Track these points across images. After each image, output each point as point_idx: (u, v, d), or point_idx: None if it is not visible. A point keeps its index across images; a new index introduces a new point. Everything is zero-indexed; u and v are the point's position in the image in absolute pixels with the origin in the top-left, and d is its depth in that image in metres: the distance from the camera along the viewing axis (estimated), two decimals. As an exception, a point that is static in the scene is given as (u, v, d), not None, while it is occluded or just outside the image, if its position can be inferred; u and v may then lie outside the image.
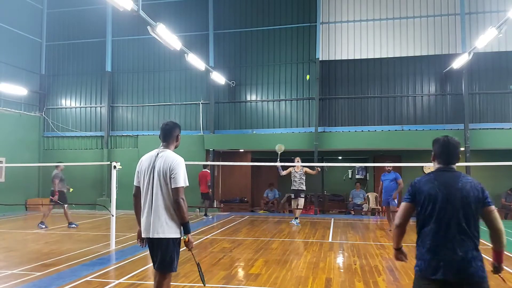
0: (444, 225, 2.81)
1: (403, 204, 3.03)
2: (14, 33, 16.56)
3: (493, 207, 2.86)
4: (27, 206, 16.52)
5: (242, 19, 16.56)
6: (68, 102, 17.87)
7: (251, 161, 17.97)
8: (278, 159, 11.95)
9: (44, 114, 17.83)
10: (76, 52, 17.91)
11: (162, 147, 4.02)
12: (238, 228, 11.66)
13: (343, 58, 15.67)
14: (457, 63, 13.39)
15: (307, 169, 12.16)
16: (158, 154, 3.96)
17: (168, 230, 3.79)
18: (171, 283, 4.05)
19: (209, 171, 14.32)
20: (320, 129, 15.24)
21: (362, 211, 15.57)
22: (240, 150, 17.37)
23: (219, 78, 15.31)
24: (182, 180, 3.80)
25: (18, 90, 15.55)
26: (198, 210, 14.48)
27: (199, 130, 16.44)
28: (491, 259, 2.96)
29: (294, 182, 12.12)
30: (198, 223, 12.52)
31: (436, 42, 15.05)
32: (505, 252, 3.03)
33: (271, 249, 8.45)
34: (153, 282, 3.99)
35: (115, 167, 8.65)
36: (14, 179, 15.82)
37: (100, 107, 17.46)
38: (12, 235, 10.56)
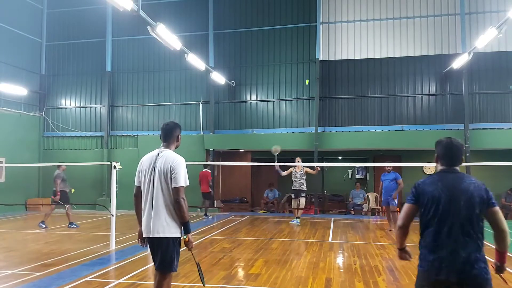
0: (447, 227, 2.81)
1: (406, 206, 3.02)
2: (14, 33, 16.56)
3: (497, 208, 2.85)
4: (27, 206, 16.52)
5: (242, 19, 16.56)
6: (68, 102, 17.87)
7: (251, 161, 17.97)
8: (276, 161, 11.93)
9: (44, 114, 17.83)
10: (76, 52, 17.91)
11: (162, 147, 4.04)
12: (238, 228, 11.66)
13: (343, 58, 15.67)
14: (457, 63, 13.39)
15: (308, 169, 12.18)
16: (159, 154, 3.97)
17: (168, 229, 3.80)
18: (171, 283, 4.05)
19: (209, 171, 14.33)
20: (320, 129, 15.24)
21: (362, 211, 15.57)
22: (240, 150, 17.38)
23: (219, 78, 15.31)
24: (182, 179, 3.82)
25: (18, 90, 15.55)
26: (199, 210, 14.49)
27: (199, 130, 16.44)
28: (493, 260, 2.96)
29: (294, 182, 12.16)
30: (198, 223, 12.52)
31: (436, 42, 15.05)
32: (508, 253, 3.02)
33: (271, 249, 8.45)
34: (153, 282, 4.00)
35: (115, 167, 8.66)
36: (14, 179, 15.82)
37: (100, 107, 17.46)
38: (12, 235, 10.56)
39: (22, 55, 17.08)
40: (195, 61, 12.74)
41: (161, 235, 3.79)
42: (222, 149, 16.73)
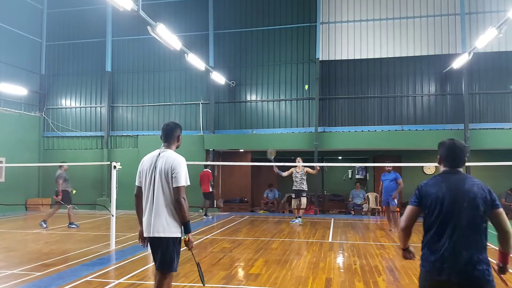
0: (450, 227, 2.80)
1: (409, 207, 3.02)
2: (14, 33, 16.56)
3: (501, 210, 2.84)
4: (27, 206, 16.51)
5: (242, 19, 16.56)
6: (68, 102, 17.87)
7: (251, 161, 17.96)
8: (274, 163, 11.92)
9: (44, 114, 17.83)
10: (76, 52, 17.91)
11: (163, 147, 4.06)
12: (238, 228, 11.66)
13: (343, 58, 15.67)
14: (457, 63, 13.39)
15: (308, 169, 12.22)
16: (159, 154, 3.99)
17: (169, 229, 3.81)
18: (172, 283, 4.05)
19: (210, 171, 14.35)
20: (320, 129, 15.24)
21: (362, 211, 15.57)
22: (240, 150, 17.38)
23: (219, 78, 15.31)
24: (183, 179, 3.84)
25: (18, 90, 15.55)
26: (201, 210, 14.49)
27: (199, 130, 16.44)
28: (495, 261, 2.95)
29: (295, 182, 12.23)
30: (198, 223, 12.52)
31: (436, 42, 15.05)
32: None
33: (271, 249, 8.45)
34: (153, 282, 4.00)
35: (115, 167, 8.65)
36: (14, 179, 15.81)
37: (100, 107, 17.46)
38: (12, 235, 10.56)
39: (22, 55, 17.08)
40: (195, 61, 12.74)
41: (161, 235, 3.80)
42: (222, 149, 16.73)
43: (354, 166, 18.98)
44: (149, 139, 16.51)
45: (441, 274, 2.76)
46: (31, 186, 16.95)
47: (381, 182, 11.12)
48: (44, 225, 11.23)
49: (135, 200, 4.06)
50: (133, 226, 11.41)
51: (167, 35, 9.79)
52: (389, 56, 15.34)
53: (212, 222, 12.95)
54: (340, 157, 19.55)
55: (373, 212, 15.43)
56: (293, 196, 12.60)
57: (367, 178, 18.55)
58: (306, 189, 12.30)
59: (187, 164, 3.99)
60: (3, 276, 6.28)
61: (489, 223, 2.87)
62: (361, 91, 15.49)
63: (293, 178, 12.26)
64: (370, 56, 15.47)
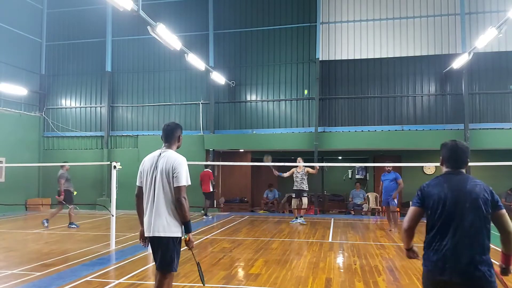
0: (452, 228, 2.81)
1: (412, 209, 3.03)
2: (14, 33, 16.56)
3: (504, 211, 2.84)
4: (27, 206, 16.51)
5: (242, 19, 16.56)
6: (68, 102, 17.87)
7: (251, 161, 17.97)
8: (272, 163, 12.11)
9: (44, 114, 17.83)
10: (76, 52, 17.91)
11: (164, 148, 4.07)
12: (238, 228, 11.66)
13: (343, 58, 15.67)
14: (457, 63, 13.39)
15: (309, 169, 12.26)
16: (160, 154, 4.01)
17: (169, 229, 3.82)
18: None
19: (211, 171, 14.36)
20: (320, 129, 15.24)
21: (362, 211, 15.57)
22: (240, 150, 17.37)
23: (219, 78, 15.31)
24: (184, 179, 3.85)
25: (18, 90, 15.55)
26: (203, 210, 14.48)
27: (199, 130, 16.44)
28: (498, 262, 2.95)
29: (295, 182, 12.29)
30: (198, 223, 12.52)
31: (436, 42, 15.05)
32: None
33: (271, 249, 8.45)
34: (153, 282, 4.00)
35: (115, 167, 8.66)
36: (14, 179, 15.81)
37: (100, 107, 17.46)
38: (12, 235, 10.56)
39: (22, 55, 17.08)
40: (195, 61, 12.74)
41: (162, 234, 3.81)
42: (222, 149, 16.73)
43: (354, 166, 18.98)
44: (149, 139, 16.50)
45: (443, 274, 2.77)
46: (31, 186, 16.95)
47: (381, 182, 11.13)
48: (46, 224, 11.23)
49: (136, 200, 4.07)
50: (133, 226, 11.41)
51: (167, 35, 9.79)
52: (389, 56, 15.34)
53: (212, 222, 12.96)
54: (340, 157, 19.55)
55: (373, 212, 15.43)
56: (294, 196, 12.62)
57: (367, 178, 18.55)
58: (307, 189, 12.33)
59: (187, 164, 4.00)
60: (3, 276, 6.28)
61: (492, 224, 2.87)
62: (361, 91, 15.48)
63: (294, 178, 12.31)
64: (370, 56, 15.46)
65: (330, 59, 15.73)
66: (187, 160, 4.05)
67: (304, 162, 12.39)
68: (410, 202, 2.96)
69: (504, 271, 2.92)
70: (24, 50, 17.19)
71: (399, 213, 11.93)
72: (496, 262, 2.90)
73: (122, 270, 6.69)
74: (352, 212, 15.69)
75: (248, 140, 16.00)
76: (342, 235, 10.37)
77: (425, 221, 3.01)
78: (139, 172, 4.06)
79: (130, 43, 17.38)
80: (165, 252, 3.83)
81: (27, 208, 16.51)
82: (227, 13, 16.65)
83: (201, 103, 16.52)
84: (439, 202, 2.87)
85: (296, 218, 12.48)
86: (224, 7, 16.65)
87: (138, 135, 17.02)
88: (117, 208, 8.95)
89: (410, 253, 3.14)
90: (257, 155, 18.82)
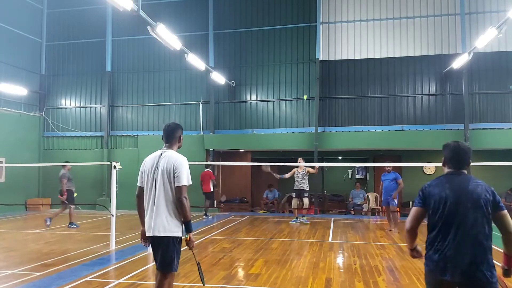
0: (454, 228, 2.81)
1: (413, 209, 3.03)
2: (14, 33, 16.56)
3: (505, 212, 2.84)
4: (27, 206, 16.51)
5: (242, 19, 16.56)
6: (68, 102, 17.87)
7: (251, 161, 17.96)
8: (274, 173, 12.38)
9: (44, 114, 17.82)
10: (76, 52, 17.90)
11: (165, 148, 4.08)
12: (238, 228, 11.66)
13: (343, 58, 15.67)
14: (457, 63, 13.39)
15: (309, 169, 12.30)
16: (161, 154, 4.02)
17: (169, 228, 3.83)
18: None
19: (211, 171, 14.37)
20: (320, 129, 15.24)
21: (362, 211, 15.57)
22: (240, 150, 17.37)
23: (219, 78, 15.31)
24: (185, 179, 3.87)
25: (18, 90, 15.55)
26: (205, 211, 14.48)
27: (199, 130, 16.44)
28: (500, 264, 2.95)
29: (296, 182, 12.33)
30: (198, 223, 12.52)
31: (436, 42, 15.05)
32: None
33: (271, 249, 8.45)
34: (153, 282, 4.01)
35: (115, 167, 8.65)
36: (14, 179, 15.81)
37: (100, 107, 17.46)
38: (12, 235, 10.56)
39: (22, 55, 17.08)
40: (195, 61, 12.74)
41: (162, 234, 3.82)
42: (222, 149, 16.73)
43: (354, 166, 18.98)
44: (149, 139, 16.50)
45: (444, 274, 2.77)
46: (31, 186, 16.95)
47: (381, 182, 11.13)
48: (48, 222, 11.26)
49: (137, 201, 4.08)
50: (133, 226, 11.42)
51: (167, 35, 9.79)
52: (389, 56, 15.34)
53: (212, 222, 12.96)
54: (340, 157, 19.55)
55: (373, 212, 15.44)
56: (294, 196, 12.64)
57: (367, 178, 18.54)
58: (307, 189, 12.36)
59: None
60: (3, 276, 6.28)
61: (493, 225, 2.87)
62: (361, 91, 15.48)
63: (295, 178, 12.35)
64: (370, 56, 15.46)
65: (330, 59, 15.73)
66: (187, 160, 4.06)
67: (305, 162, 12.41)
68: (410, 202, 2.97)
69: (506, 273, 2.92)
70: (24, 50, 17.19)
71: (399, 213, 11.93)
72: (498, 263, 2.89)
73: (122, 270, 6.69)
74: (352, 212, 15.69)
75: (248, 140, 16.00)
76: (342, 235, 10.37)
77: (426, 221, 3.02)
78: (140, 172, 4.07)
79: (130, 43, 17.38)
80: (165, 252, 3.84)
81: (27, 208, 16.50)
82: (227, 13, 16.65)
83: (201, 103, 16.52)
84: (440, 202, 2.87)
85: (296, 218, 12.49)
86: (224, 7, 16.65)
87: (138, 135, 17.01)
88: (117, 208, 8.95)
89: (414, 252, 3.14)
90: (257, 155, 18.83)
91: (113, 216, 8.58)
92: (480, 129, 14.43)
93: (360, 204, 15.89)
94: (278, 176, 12.41)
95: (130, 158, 15.90)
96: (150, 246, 4.03)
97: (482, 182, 2.92)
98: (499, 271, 2.88)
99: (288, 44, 16.04)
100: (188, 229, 3.86)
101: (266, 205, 16.72)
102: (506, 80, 14.48)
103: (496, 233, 2.85)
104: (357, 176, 19.11)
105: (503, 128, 14.31)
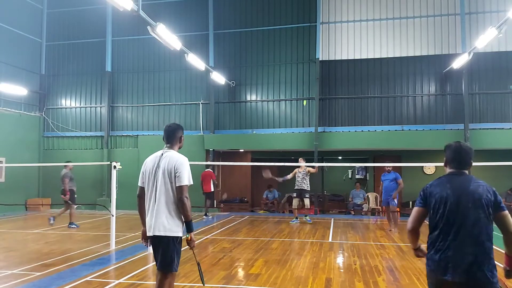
0: (455, 228, 2.81)
1: (415, 209, 3.04)
2: (14, 33, 16.56)
3: (506, 212, 2.84)
4: (27, 206, 16.51)
5: (242, 19, 16.56)
6: (68, 102, 17.87)
7: (251, 161, 17.96)
8: (276, 178, 12.72)
9: (44, 114, 17.82)
10: (76, 52, 17.90)
11: (166, 148, 4.10)
12: (238, 228, 11.66)
13: (343, 58, 15.67)
14: (457, 63, 13.39)
15: (310, 168, 12.34)
16: (162, 154, 4.04)
17: (170, 228, 3.84)
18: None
19: (212, 171, 14.38)
20: (320, 129, 15.24)
21: (362, 211, 15.57)
22: (240, 150, 17.37)
23: (219, 78, 15.31)
24: (186, 178, 3.88)
25: (18, 90, 15.55)
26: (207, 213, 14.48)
27: (199, 130, 16.44)
28: (502, 265, 2.95)
29: (297, 182, 12.40)
30: (198, 223, 12.52)
31: (436, 42, 15.05)
32: None
33: (271, 249, 8.45)
34: (153, 282, 4.01)
35: (115, 167, 8.65)
36: (14, 179, 15.81)
37: (100, 107, 17.46)
38: (12, 235, 10.56)
39: (22, 55, 17.08)
40: (195, 61, 12.74)
41: (162, 234, 3.83)
42: (222, 149, 16.73)
43: (354, 166, 18.98)
44: (149, 139, 16.50)
45: (445, 274, 2.77)
46: (31, 186, 16.95)
47: (381, 182, 11.13)
48: (52, 221, 11.28)
49: (138, 201, 4.09)
50: (133, 226, 11.42)
51: (167, 35, 9.79)
52: (389, 56, 15.34)
53: (212, 222, 12.96)
54: (340, 157, 19.55)
55: (373, 212, 15.43)
56: (295, 196, 12.67)
57: (367, 178, 18.55)
58: (308, 189, 12.40)
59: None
60: (3, 276, 6.28)
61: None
62: (361, 91, 15.48)
63: (296, 178, 12.40)
64: (370, 56, 15.46)
65: (330, 59, 15.73)
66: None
67: (306, 162, 12.45)
68: (410, 202, 2.98)
69: (508, 274, 2.91)
70: (24, 50, 17.19)
71: (399, 213, 11.93)
72: (500, 264, 2.89)
73: (122, 270, 6.69)
74: (352, 212, 15.68)
75: (248, 140, 16.00)
76: (342, 235, 10.37)
77: (428, 221, 3.01)
78: (141, 172, 4.09)
79: (130, 43, 17.38)
80: (166, 252, 3.85)
81: (27, 208, 16.50)
82: (227, 13, 16.65)
83: (201, 103, 16.52)
84: (441, 201, 2.87)
85: (296, 218, 12.50)
86: (224, 7, 16.65)
87: (138, 135, 17.01)
88: (117, 208, 8.95)
89: (418, 252, 3.14)
90: (257, 155, 18.83)
91: (113, 216, 8.58)
92: (480, 129, 14.43)
93: (360, 204, 15.89)
94: (280, 179, 12.69)
95: (130, 158, 15.90)
96: (150, 246, 4.03)
97: (483, 183, 2.92)
98: (500, 272, 2.87)
99: (288, 44, 16.04)
100: (189, 228, 3.87)
101: (266, 206, 16.72)
102: (506, 80, 14.48)
103: (497, 233, 2.85)
104: (357, 176, 19.11)
105: (503, 128, 14.31)
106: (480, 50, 12.37)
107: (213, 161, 15.70)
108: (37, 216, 14.54)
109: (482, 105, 14.69)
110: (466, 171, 3.03)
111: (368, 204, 15.81)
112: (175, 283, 4.21)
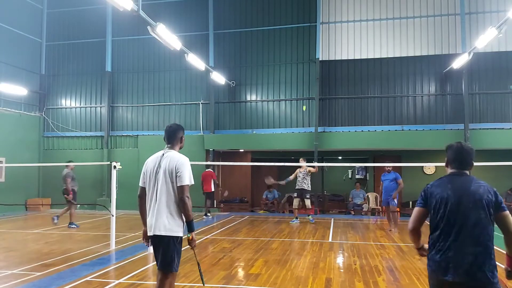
0: (455, 228, 2.81)
1: (416, 209, 3.04)
2: (14, 33, 16.56)
3: (507, 212, 2.84)
4: (27, 206, 16.51)
5: (242, 19, 16.56)
6: (68, 102, 17.87)
7: (251, 161, 17.97)
8: (278, 182, 13.06)
9: (44, 114, 17.82)
10: (76, 52, 17.90)
11: (167, 148, 4.11)
12: (238, 228, 11.66)
13: (343, 58, 15.67)
14: (457, 63, 13.39)
15: (310, 168, 12.37)
16: (163, 154, 4.05)
17: (170, 228, 3.86)
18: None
19: (212, 171, 14.38)
20: (320, 129, 15.24)
21: (362, 211, 15.57)
22: (240, 150, 17.37)
23: (219, 78, 15.31)
24: (187, 178, 3.90)
25: (18, 90, 15.54)
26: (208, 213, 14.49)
27: (199, 130, 16.44)
28: (503, 265, 2.94)
29: (297, 182, 12.43)
30: (198, 223, 12.52)
31: (436, 42, 15.05)
32: None
33: (271, 249, 8.45)
34: (153, 282, 4.02)
35: (115, 167, 8.66)
36: (14, 179, 15.81)
37: (100, 107, 17.46)
38: (12, 235, 10.56)
39: (22, 55, 17.08)
40: (195, 61, 12.74)
41: (163, 233, 3.85)
42: (222, 149, 16.73)
43: (354, 166, 18.98)
44: (149, 139, 16.50)
45: (446, 274, 2.77)
46: (31, 186, 16.95)
47: (381, 182, 11.13)
48: (56, 220, 11.29)
49: (139, 201, 4.10)
50: (133, 226, 11.42)
51: (167, 35, 9.79)
52: (389, 56, 15.33)
53: (212, 222, 12.96)
54: (340, 157, 19.55)
55: (373, 212, 15.43)
56: (295, 196, 12.69)
57: (367, 178, 18.55)
58: (309, 189, 12.43)
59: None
60: (3, 276, 6.28)
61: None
62: (361, 91, 15.48)
63: (297, 178, 12.44)
64: (370, 56, 15.46)
65: (330, 59, 15.72)
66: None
67: (306, 162, 12.47)
68: (410, 202, 2.98)
69: (510, 274, 2.91)
70: (24, 50, 17.19)
71: (399, 213, 11.93)
72: (501, 265, 2.89)
73: (122, 270, 6.69)
74: (352, 212, 15.68)
75: (248, 140, 16.00)
76: (342, 235, 10.37)
77: (429, 221, 3.01)
78: (142, 173, 4.10)
79: (130, 43, 17.38)
80: (166, 251, 3.86)
81: (27, 208, 16.50)
82: (227, 13, 16.64)
83: (201, 103, 16.52)
84: (442, 202, 2.87)
85: (296, 218, 12.51)
86: (224, 7, 16.65)
87: (138, 135, 17.01)
88: (117, 208, 8.95)
89: (422, 251, 3.14)
90: (257, 155, 18.83)
91: (113, 216, 8.58)
92: (480, 129, 14.43)
93: (360, 204, 15.89)
94: (283, 182, 12.79)
95: (130, 158, 15.91)
96: (151, 246, 4.04)
97: (484, 183, 2.92)
98: (501, 273, 2.87)
99: (288, 44, 16.04)
100: (190, 228, 3.89)
101: (266, 206, 16.72)
102: (506, 80, 14.48)
103: (498, 233, 2.85)
104: (357, 176, 19.11)
105: (503, 128, 14.31)
106: (480, 50, 12.37)
107: (213, 161, 15.70)
108: (37, 216, 14.55)
109: (482, 105, 14.69)
110: (467, 172, 3.03)
111: (368, 204, 15.81)
112: (176, 283, 4.21)
